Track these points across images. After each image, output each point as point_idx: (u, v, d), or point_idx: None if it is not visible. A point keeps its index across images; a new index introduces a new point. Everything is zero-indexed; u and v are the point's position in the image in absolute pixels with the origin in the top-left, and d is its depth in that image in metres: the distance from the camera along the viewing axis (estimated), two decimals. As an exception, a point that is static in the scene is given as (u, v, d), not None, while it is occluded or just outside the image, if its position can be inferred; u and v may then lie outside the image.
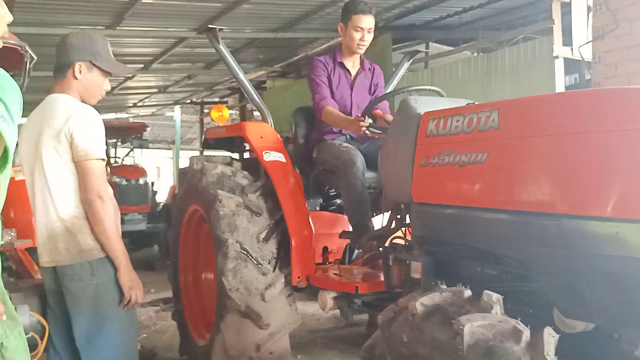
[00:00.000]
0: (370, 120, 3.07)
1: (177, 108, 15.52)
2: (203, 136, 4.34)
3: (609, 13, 6.47)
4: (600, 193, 1.78)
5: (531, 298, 2.14)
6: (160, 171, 23.45)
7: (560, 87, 7.15)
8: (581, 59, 7.18)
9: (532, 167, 1.99)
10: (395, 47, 8.33)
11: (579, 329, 2.00)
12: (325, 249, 3.43)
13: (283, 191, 3.28)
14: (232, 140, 3.88)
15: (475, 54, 8.27)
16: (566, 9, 7.22)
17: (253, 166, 3.52)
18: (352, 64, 3.63)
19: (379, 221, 3.22)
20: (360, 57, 3.65)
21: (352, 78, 3.61)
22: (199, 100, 14.78)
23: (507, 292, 2.15)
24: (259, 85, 11.43)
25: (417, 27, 8.34)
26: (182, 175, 3.86)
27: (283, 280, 3.24)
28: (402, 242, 2.74)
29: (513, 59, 7.58)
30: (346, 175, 3.15)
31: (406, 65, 4.26)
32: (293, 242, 3.19)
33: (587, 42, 6.97)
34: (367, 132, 3.05)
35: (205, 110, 14.62)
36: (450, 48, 8.51)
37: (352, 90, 3.58)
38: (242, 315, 3.14)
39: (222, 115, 3.79)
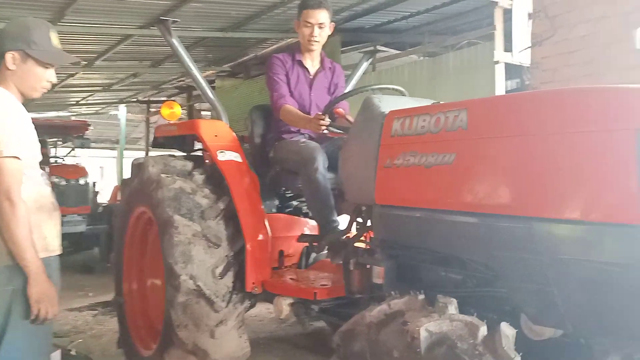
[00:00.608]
0: (329, 120, 2.89)
1: (122, 107, 14.90)
2: (153, 135, 4.03)
3: (547, 20, 6.56)
4: (572, 196, 1.69)
5: (498, 304, 2.02)
6: (103, 171, 22.58)
7: (500, 91, 7.24)
8: (520, 64, 7.27)
9: (502, 169, 1.88)
10: (343, 49, 8.22)
11: (546, 336, 1.90)
12: (281, 252, 3.23)
13: (238, 192, 3.06)
14: (184, 139, 3.62)
15: (422, 58, 8.27)
16: (508, 16, 7.28)
17: (214, 179, 3.25)
18: (312, 62, 3.46)
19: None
20: (321, 55, 3.48)
21: (311, 77, 3.44)
22: (145, 99, 14.24)
23: (472, 297, 2.05)
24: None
25: (365, 30, 8.26)
26: (135, 168, 3.51)
27: (236, 314, 3.02)
28: (362, 245, 2.57)
29: (457, 63, 7.61)
30: (308, 172, 2.97)
31: (365, 65, 4.12)
32: (248, 245, 2.98)
33: (527, 48, 7.06)
34: (326, 131, 2.87)
35: (152, 110, 14.10)
36: (398, 51, 8.47)
37: (311, 89, 3.41)
38: (188, 352, 2.93)
39: (174, 112, 3.52)
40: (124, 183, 4.11)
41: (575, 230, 1.67)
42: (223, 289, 2.98)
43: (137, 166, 3.44)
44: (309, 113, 3.28)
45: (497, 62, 7.26)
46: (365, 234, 2.61)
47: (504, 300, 1.99)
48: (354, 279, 2.45)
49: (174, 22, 3.45)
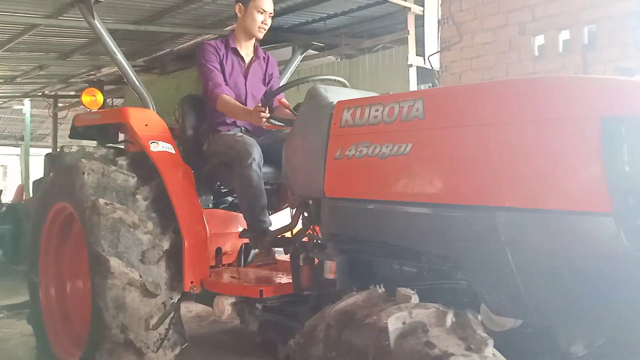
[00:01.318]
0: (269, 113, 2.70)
1: (27, 101, 13.70)
2: (65, 127, 3.62)
3: (454, 26, 6.73)
4: (536, 184, 1.62)
5: (456, 296, 1.93)
6: (7, 170, 20.76)
7: (413, 94, 7.33)
8: (431, 67, 7.41)
9: (462, 158, 1.78)
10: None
11: (507, 327, 1.82)
12: (218, 250, 2.97)
13: (174, 186, 2.78)
14: (106, 129, 3.26)
15: (339, 59, 8.23)
16: (420, 21, 7.38)
17: (139, 162, 2.93)
18: (247, 51, 3.24)
19: (275, 219, 2.85)
20: (255, 44, 3.26)
21: (245, 66, 3.22)
22: (52, 94, 13.17)
23: (429, 290, 1.94)
24: (119, 80, 10.43)
25: (284, 30, 8.08)
26: (49, 162, 3.11)
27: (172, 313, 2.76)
28: (307, 240, 2.40)
29: (373, 66, 7.66)
30: (241, 167, 2.75)
31: (299, 58, 3.95)
32: (186, 243, 2.71)
33: (436, 52, 7.21)
34: (267, 123, 2.67)
35: (60, 105, 13.08)
36: (316, 52, 8.37)
37: (246, 78, 3.19)
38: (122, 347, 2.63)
39: (96, 100, 3.17)
40: (37, 180, 3.64)
41: (539, 219, 1.60)
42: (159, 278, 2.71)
43: (53, 159, 3.05)
44: (244, 104, 3.07)
45: (410, 66, 7.36)
46: (310, 229, 2.44)
47: (462, 292, 1.90)
48: (304, 275, 2.28)
49: (97, 1, 3.10)
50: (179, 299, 2.76)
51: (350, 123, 2.14)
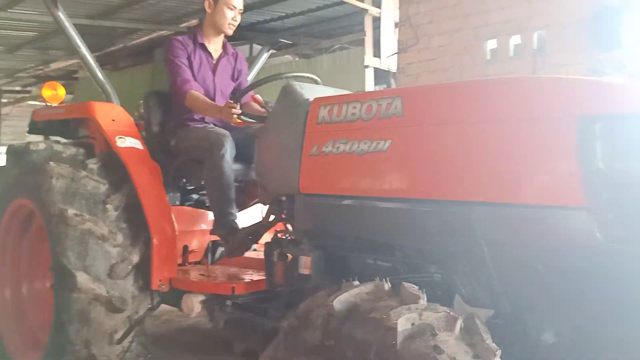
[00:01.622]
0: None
1: (-33, 96, 13.05)
2: (22, 122, 3.47)
3: (411, 29, 6.85)
4: (513, 179, 1.66)
5: (430, 289, 1.95)
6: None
7: (370, 95, 7.41)
8: (388, 69, 7.52)
9: (441, 155, 1.82)
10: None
11: (480, 317, 1.87)
12: (185, 248, 2.91)
13: (142, 183, 2.70)
14: (67, 124, 3.14)
15: (297, 59, 8.22)
16: (377, 23, 7.47)
17: (110, 165, 2.82)
18: (215, 47, 3.19)
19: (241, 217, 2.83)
20: (224, 40, 3.22)
21: (214, 62, 3.17)
22: (-4, 89, 12.61)
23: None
24: (69, 75, 10.08)
25: (241, 28, 7.98)
26: (12, 156, 2.97)
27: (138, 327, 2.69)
28: (281, 236, 2.39)
29: (330, 66, 7.70)
30: (213, 158, 2.71)
31: (266, 55, 3.92)
32: (155, 240, 2.64)
33: (393, 54, 7.32)
34: (238, 120, 2.64)
35: (4, 100, 12.50)
36: (274, 51, 8.32)
37: (214, 74, 3.14)
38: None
39: (57, 94, 3.05)
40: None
41: (515, 213, 1.65)
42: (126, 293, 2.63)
43: (16, 154, 2.92)
44: (213, 100, 3.02)
45: (367, 67, 7.45)
46: (279, 225, 2.43)
47: (436, 285, 1.94)
48: (277, 271, 2.27)
49: None
50: (145, 312, 2.70)
51: (327, 120, 2.15)
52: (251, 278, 2.56)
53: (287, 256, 2.26)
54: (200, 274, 2.72)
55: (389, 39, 7.64)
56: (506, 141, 1.69)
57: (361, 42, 7.45)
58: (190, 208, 3.10)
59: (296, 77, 2.65)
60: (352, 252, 2.12)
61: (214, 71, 3.14)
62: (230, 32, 3.15)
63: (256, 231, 2.55)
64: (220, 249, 2.96)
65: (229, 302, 2.50)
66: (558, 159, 1.59)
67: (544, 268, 1.62)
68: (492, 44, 6.21)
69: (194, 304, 2.55)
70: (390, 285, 1.60)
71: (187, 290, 2.62)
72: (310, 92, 2.32)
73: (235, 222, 2.74)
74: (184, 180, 3.12)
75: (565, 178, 1.56)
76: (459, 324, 1.40)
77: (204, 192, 3.09)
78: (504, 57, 6.08)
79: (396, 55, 7.15)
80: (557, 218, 1.58)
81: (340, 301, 1.49)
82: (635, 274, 1.45)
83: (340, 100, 2.14)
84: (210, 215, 2.91)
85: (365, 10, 7.47)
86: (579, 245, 1.54)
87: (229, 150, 2.73)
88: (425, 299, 1.52)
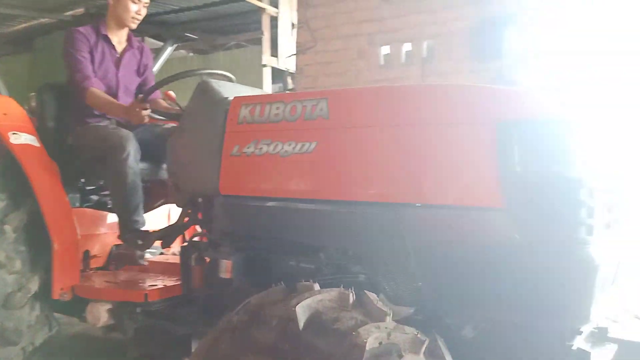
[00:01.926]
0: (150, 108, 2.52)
1: None
2: None
3: (309, 31, 6.94)
4: (436, 182, 1.73)
5: (354, 289, 1.98)
6: None
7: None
8: (286, 69, 7.55)
9: (367, 158, 1.85)
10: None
11: (402, 316, 1.93)
12: (86, 253, 2.68)
13: (39, 184, 2.45)
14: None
15: (191, 54, 7.98)
16: (274, 23, 7.47)
17: (9, 177, 2.52)
18: (119, 39, 2.99)
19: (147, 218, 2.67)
20: (128, 33, 3.03)
21: (118, 55, 2.96)
22: None
23: (328, 285, 1.97)
24: None
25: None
26: None
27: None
28: (198, 239, 2.30)
29: (227, 63, 7.58)
30: (115, 162, 2.53)
31: (170, 49, 3.73)
32: (55, 245, 2.41)
33: (291, 55, 7.36)
34: (146, 120, 2.50)
35: None
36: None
37: (118, 69, 2.94)
38: None
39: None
40: None
41: (438, 214, 1.72)
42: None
43: None
44: (116, 95, 2.83)
45: (264, 66, 7.41)
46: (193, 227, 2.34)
47: (360, 285, 1.96)
48: (195, 275, 2.17)
49: None
50: (41, 343, 2.47)
51: (248, 120, 2.09)
52: (164, 283, 2.43)
53: (205, 260, 2.18)
54: (107, 281, 2.53)
55: (287, 39, 7.66)
56: (429, 145, 1.75)
57: (259, 41, 7.41)
58: (91, 210, 2.87)
59: (210, 74, 2.56)
60: (275, 255, 2.09)
61: (117, 65, 2.95)
62: (134, 25, 2.98)
63: (168, 235, 2.42)
64: (125, 254, 2.77)
65: (139, 310, 2.35)
66: (478, 162, 1.67)
67: (465, 267, 1.70)
68: (385, 50, 6.45)
69: (101, 312, 2.37)
70: (354, 294, 1.57)
71: (91, 299, 2.42)
72: (228, 90, 2.25)
73: (141, 228, 2.58)
74: (83, 180, 2.88)
75: (485, 180, 1.65)
76: (425, 346, 1.41)
77: (105, 192, 2.88)
78: (396, 64, 6.33)
79: (294, 56, 7.20)
80: (478, 219, 1.66)
81: (302, 307, 1.45)
82: (549, 270, 1.57)
83: (263, 100, 2.10)
84: (113, 217, 2.72)
85: (263, 10, 7.43)
86: (498, 245, 1.63)
87: (132, 153, 2.56)
88: (391, 317, 1.50)
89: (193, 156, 2.22)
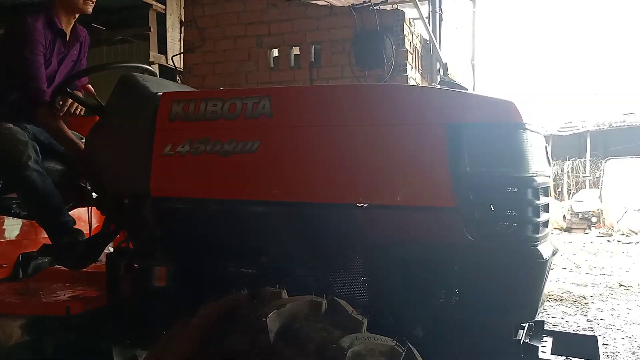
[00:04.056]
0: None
1: None
2: None
3: (197, 30, 6.63)
4: (386, 182, 1.66)
5: (299, 291, 1.84)
6: None
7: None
8: (174, 67, 7.14)
9: (315, 157, 1.73)
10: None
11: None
12: None
13: None
14: None
15: (70, 47, 7.21)
16: (161, 19, 7.03)
17: None
18: (67, 30, 2.51)
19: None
20: (75, 22, 2.56)
21: (65, 51, 2.51)
22: None
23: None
24: None
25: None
26: None
27: None
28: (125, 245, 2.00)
29: (111, 59, 6.99)
30: (15, 170, 2.13)
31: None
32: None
33: (179, 53, 6.97)
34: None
35: None
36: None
37: (59, 66, 2.48)
38: None
39: None
40: None
41: (391, 214, 1.65)
42: None
43: None
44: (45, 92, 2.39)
45: (152, 63, 6.94)
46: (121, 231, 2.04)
47: (307, 288, 1.83)
48: (124, 284, 1.88)
49: None
50: None
51: (182, 117, 1.86)
52: (86, 294, 2.08)
53: (135, 267, 1.90)
54: (19, 293, 2.11)
55: (175, 37, 7.24)
56: (379, 144, 1.67)
57: (146, 37, 6.91)
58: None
59: (129, 68, 2.25)
60: (216, 260, 1.88)
61: (60, 62, 2.49)
62: (89, 10, 2.52)
63: (97, 243, 2.08)
64: (35, 262, 2.34)
65: (57, 324, 1.98)
66: (429, 162, 1.62)
67: (416, 267, 1.65)
68: (274, 52, 6.35)
69: (13, 329, 1.96)
70: (326, 303, 1.42)
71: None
72: (155, 85, 1.99)
73: (73, 229, 2.22)
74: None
75: (436, 181, 1.61)
76: (402, 357, 1.31)
77: (8, 195, 2.42)
78: (285, 67, 6.26)
79: (182, 54, 6.82)
80: (429, 218, 1.61)
81: (278, 315, 1.28)
82: (499, 268, 1.56)
83: (197, 97, 1.88)
84: (18, 222, 2.29)
85: (149, 5, 6.94)
86: (450, 244, 1.59)
87: (32, 156, 2.18)
88: (364, 325, 1.38)
89: (117, 155, 1.93)
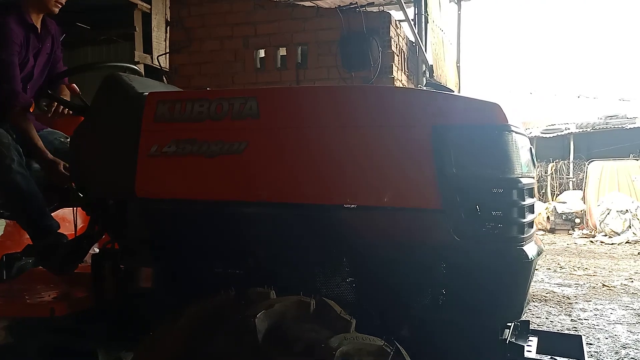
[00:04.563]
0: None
1: None
2: None
3: (183, 31, 6.60)
4: (372, 184, 1.67)
5: (288, 292, 1.84)
6: None
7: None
8: (160, 67, 7.09)
9: (302, 158, 1.73)
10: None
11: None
12: None
13: None
14: None
15: (57, 48, 7.14)
16: (147, 19, 6.97)
17: None
18: (39, 27, 2.48)
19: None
20: (43, 16, 2.53)
21: (40, 46, 2.47)
22: None
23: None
24: None
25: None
26: None
27: None
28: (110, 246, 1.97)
29: (95, 59, 6.93)
30: (0, 173, 2.10)
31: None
32: None
33: (165, 53, 6.92)
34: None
35: None
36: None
37: (36, 61, 2.44)
38: None
39: None
40: None
41: (375, 215, 1.65)
42: None
43: None
44: (25, 88, 2.35)
45: (137, 63, 6.88)
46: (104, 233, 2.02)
47: (294, 289, 1.83)
48: (109, 285, 1.86)
49: None
50: None
51: (167, 118, 1.85)
52: (71, 296, 2.05)
53: (120, 268, 1.88)
54: (2, 295, 2.08)
55: (161, 37, 7.19)
56: (365, 146, 1.67)
57: (131, 37, 6.86)
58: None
59: (115, 67, 2.23)
60: (200, 261, 1.87)
61: (36, 57, 2.45)
62: (56, 10, 2.51)
63: (81, 245, 2.05)
64: (18, 263, 2.30)
65: (42, 326, 1.95)
66: (415, 164, 1.63)
67: (403, 268, 1.65)
68: (261, 53, 6.34)
69: None
70: (315, 303, 1.42)
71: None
72: (141, 85, 1.97)
73: (56, 231, 2.19)
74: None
75: (422, 182, 1.61)
76: (390, 357, 1.31)
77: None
78: (271, 67, 6.25)
79: (167, 54, 6.77)
80: (416, 220, 1.62)
81: (261, 319, 1.27)
82: (486, 268, 1.57)
83: (183, 97, 1.87)
84: (2, 223, 2.26)
85: (135, 5, 6.89)
86: (437, 244, 1.60)
87: (15, 158, 2.15)
88: (353, 325, 1.38)
89: (102, 156, 1.92)
